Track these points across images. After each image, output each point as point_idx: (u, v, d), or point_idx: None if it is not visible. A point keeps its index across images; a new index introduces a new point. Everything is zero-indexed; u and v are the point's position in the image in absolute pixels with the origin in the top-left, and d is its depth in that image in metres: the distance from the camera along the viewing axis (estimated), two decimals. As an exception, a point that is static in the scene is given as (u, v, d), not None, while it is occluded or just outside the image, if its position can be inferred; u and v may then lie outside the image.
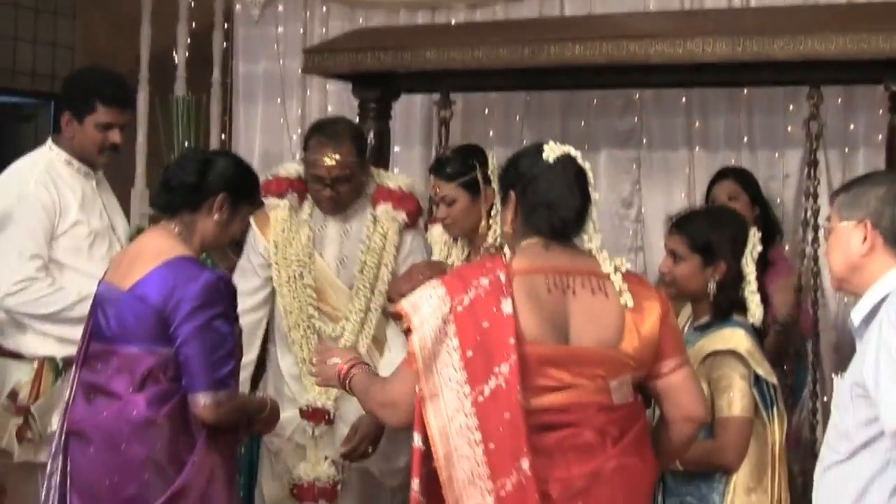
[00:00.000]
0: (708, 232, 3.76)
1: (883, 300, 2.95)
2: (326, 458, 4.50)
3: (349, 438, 4.37)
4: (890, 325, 2.87)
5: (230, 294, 3.73)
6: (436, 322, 3.02)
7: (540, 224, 3.17)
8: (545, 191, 3.17)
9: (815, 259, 4.84)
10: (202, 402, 3.60)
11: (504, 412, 2.98)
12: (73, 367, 3.85)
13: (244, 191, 3.83)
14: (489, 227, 4.17)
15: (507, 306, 3.03)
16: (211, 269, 3.80)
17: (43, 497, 3.78)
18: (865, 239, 3.01)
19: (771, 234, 5.17)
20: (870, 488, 2.96)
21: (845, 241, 3.04)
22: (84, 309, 4.23)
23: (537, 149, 3.21)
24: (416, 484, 3.04)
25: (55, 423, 4.23)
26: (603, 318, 3.14)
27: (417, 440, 3.04)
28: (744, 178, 5.35)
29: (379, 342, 4.62)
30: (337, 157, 4.41)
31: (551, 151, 3.18)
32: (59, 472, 3.74)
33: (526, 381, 3.00)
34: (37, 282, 4.29)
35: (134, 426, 3.61)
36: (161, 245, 3.72)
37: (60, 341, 4.33)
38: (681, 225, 3.83)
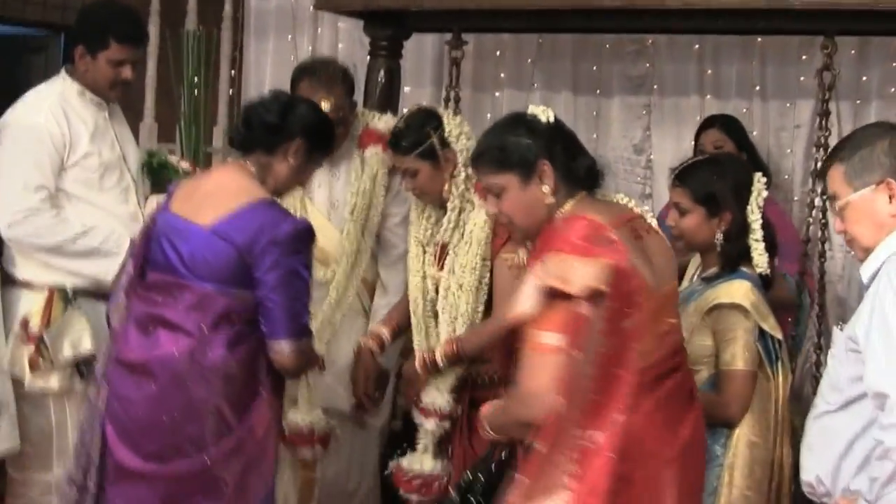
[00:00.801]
0: (711, 182, 3.75)
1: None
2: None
3: (357, 387, 4.38)
4: (888, 284, 2.86)
5: (312, 241, 3.70)
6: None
7: (581, 177, 3.17)
8: (570, 145, 3.19)
9: (824, 211, 4.82)
10: (286, 349, 3.61)
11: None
12: (118, 296, 3.82)
13: (320, 139, 3.83)
14: (450, 189, 4.14)
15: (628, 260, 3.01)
16: (294, 216, 3.78)
17: (85, 424, 3.79)
18: (892, 198, 2.98)
19: None
20: (854, 446, 2.98)
21: (869, 208, 3.01)
22: (88, 242, 4.29)
23: (531, 116, 3.20)
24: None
25: (67, 350, 4.30)
26: (667, 256, 3.19)
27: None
28: (728, 125, 5.35)
29: (367, 283, 4.62)
30: (331, 100, 4.38)
31: (543, 113, 3.19)
32: (102, 399, 3.73)
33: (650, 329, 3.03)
34: (40, 212, 4.29)
35: (208, 367, 3.59)
36: (241, 184, 3.69)
37: (68, 273, 4.34)
38: (683, 177, 3.81)
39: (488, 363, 4.01)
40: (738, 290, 3.63)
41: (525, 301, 2.98)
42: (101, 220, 4.38)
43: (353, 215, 4.49)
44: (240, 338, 3.63)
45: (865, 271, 3.03)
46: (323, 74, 4.46)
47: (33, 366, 4.26)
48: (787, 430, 3.79)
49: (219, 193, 3.69)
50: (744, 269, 3.72)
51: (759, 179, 3.77)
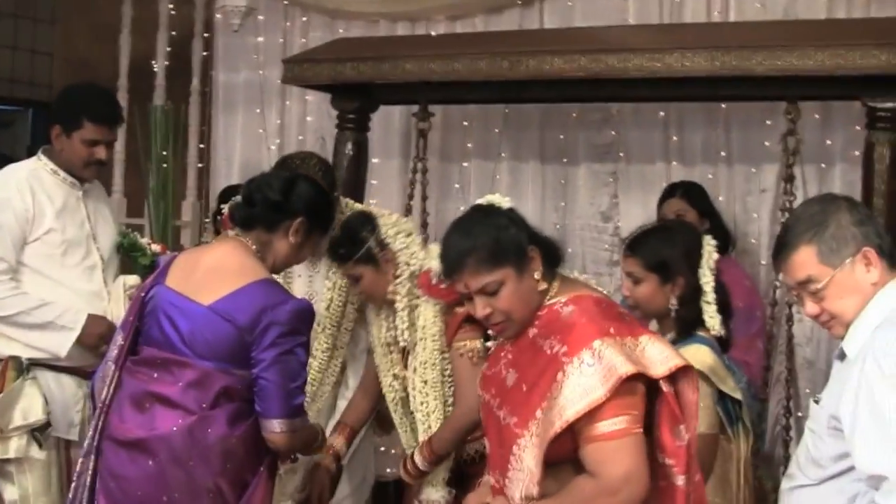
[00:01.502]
0: (662, 250, 3.73)
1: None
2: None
3: (304, 487, 4.33)
4: (875, 366, 2.82)
5: (312, 321, 3.69)
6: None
7: (556, 260, 3.17)
8: (538, 230, 3.18)
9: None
10: (279, 428, 3.57)
11: None
12: (106, 367, 3.75)
13: (321, 217, 3.81)
14: (396, 290, 4.10)
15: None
16: (295, 296, 3.75)
17: (71, 496, 3.74)
18: (869, 264, 3.00)
19: (724, 244, 5.22)
20: None
21: (852, 282, 2.99)
22: (44, 315, 4.32)
23: (497, 207, 3.15)
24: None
25: (17, 419, 4.32)
26: None
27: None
28: (690, 193, 5.36)
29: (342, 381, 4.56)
30: None
31: (502, 200, 3.16)
32: (89, 472, 3.68)
33: None
34: None
35: (208, 444, 3.54)
36: (244, 262, 3.66)
37: (24, 345, 4.36)
38: (634, 247, 3.78)
39: (475, 440, 4.01)
40: (694, 356, 3.60)
41: (594, 390, 2.85)
42: (61, 296, 4.39)
43: (329, 311, 4.43)
44: (240, 414, 3.59)
45: (851, 346, 2.99)
46: (302, 170, 4.42)
47: (-15, 433, 4.25)
48: (749, 491, 3.79)
49: (220, 271, 3.65)
50: (700, 333, 3.72)
51: (708, 242, 3.77)
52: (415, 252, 4.09)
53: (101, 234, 4.61)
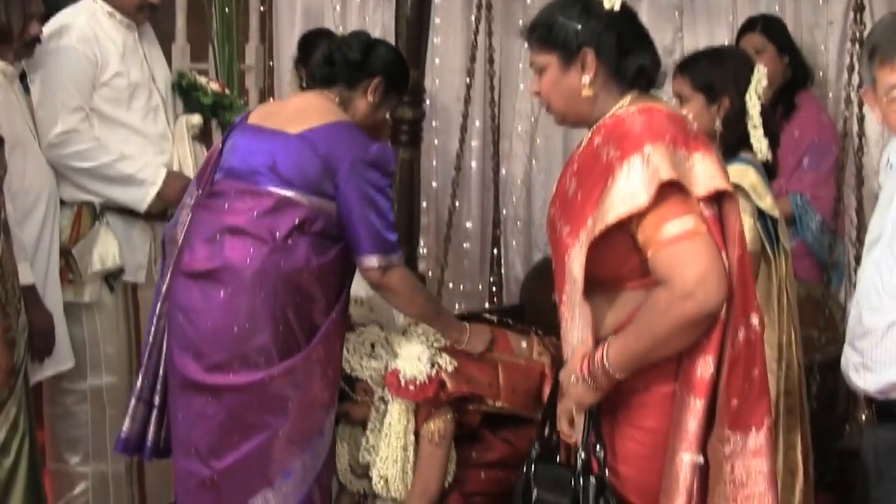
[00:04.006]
0: (709, 70, 3.77)
1: None
2: None
3: None
4: None
5: (392, 169, 3.77)
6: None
7: (629, 76, 2.96)
8: (627, 39, 2.97)
9: (861, 105, 4.80)
10: (375, 263, 3.66)
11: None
12: (179, 215, 3.85)
13: (398, 80, 3.93)
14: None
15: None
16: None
17: (150, 339, 3.85)
18: None
19: (803, 79, 5.17)
20: None
21: None
22: (124, 168, 4.37)
23: (593, 2, 2.99)
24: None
25: (95, 264, 4.37)
26: None
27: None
28: (770, 28, 5.28)
29: None
30: None
31: (609, 1, 3.00)
32: (166, 316, 3.78)
33: None
34: (80, 134, 4.33)
35: (279, 275, 3.60)
36: (330, 107, 3.79)
37: (101, 198, 4.42)
38: (683, 66, 3.85)
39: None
40: (735, 172, 3.59)
41: (637, 195, 2.75)
42: (130, 141, 4.43)
43: None
44: (314, 249, 3.64)
45: None
46: None
47: (63, 279, 4.31)
48: (792, 310, 3.79)
49: (308, 109, 3.77)
50: (744, 154, 3.74)
51: (759, 69, 3.76)
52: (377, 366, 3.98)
53: (158, 75, 4.64)
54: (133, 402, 3.88)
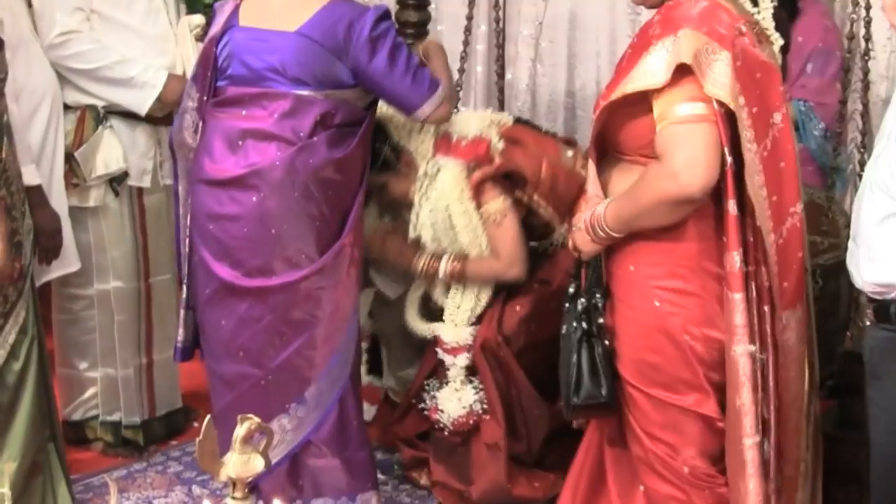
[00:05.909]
0: None
1: None
2: None
3: None
4: None
5: (391, 18, 3.76)
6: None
7: None
8: None
9: (868, 8, 4.76)
10: (429, 109, 3.71)
11: (780, 161, 2.97)
12: (183, 119, 3.85)
13: None
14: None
15: (764, 52, 2.99)
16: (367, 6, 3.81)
17: (184, 249, 3.89)
18: None
19: None
20: None
21: None
22: (125, 71, 4.31)
23: None
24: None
25: (99, 168, 4.37)
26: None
27: (733, 207, 2.92)
28: None
29: None
30: None
31: None
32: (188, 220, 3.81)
33: None
34: (80, 35, 4.30)
35: (310, 173, 3.63)
36: None
37: (103, 101, 4.39)
38: None
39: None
40: None
41: (657, 73, 2.87)
42: (130, 42, 4.38)
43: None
44: (338, 140, 3.66)
45: None
46: None
47: (66, 183, 4.31)
48: None
49: (294, 1, 3.70)
50: None
51: None
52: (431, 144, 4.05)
53: None
54: (182, 311, 3.95)
